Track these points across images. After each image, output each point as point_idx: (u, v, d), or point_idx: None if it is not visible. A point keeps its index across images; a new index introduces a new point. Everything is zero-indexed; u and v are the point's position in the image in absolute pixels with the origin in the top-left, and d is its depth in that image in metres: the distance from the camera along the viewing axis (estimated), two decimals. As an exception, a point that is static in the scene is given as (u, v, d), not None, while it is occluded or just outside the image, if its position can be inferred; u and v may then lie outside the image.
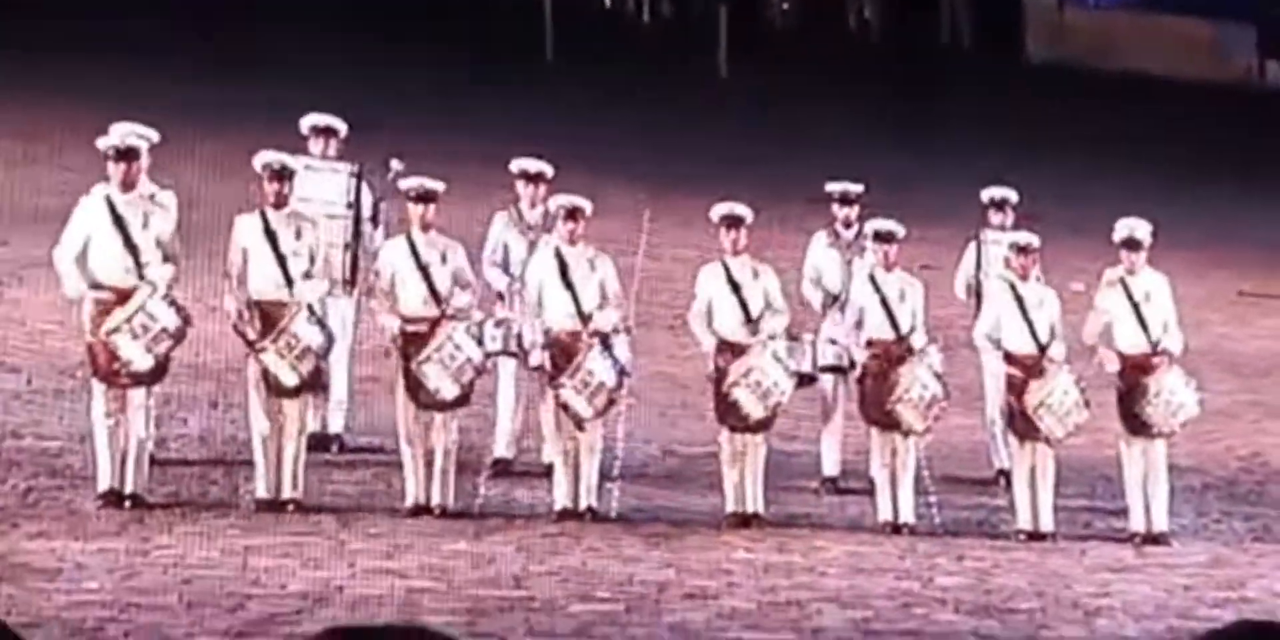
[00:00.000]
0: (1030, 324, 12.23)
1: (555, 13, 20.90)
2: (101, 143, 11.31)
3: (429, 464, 11.44)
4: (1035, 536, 12.01)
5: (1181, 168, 19.58)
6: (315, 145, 12.36)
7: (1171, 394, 12.20)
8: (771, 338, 11.84)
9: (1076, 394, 12.09)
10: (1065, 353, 12.24)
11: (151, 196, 11.44)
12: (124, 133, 11.47)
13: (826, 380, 12.54)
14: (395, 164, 12.06)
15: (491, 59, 19.54)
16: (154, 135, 11.66)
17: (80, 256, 11.07)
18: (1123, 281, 12.47)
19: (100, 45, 17.96)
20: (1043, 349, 12.19)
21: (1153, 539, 12.10)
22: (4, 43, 17.91)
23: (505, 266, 12.36)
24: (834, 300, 12.72)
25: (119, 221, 11.11)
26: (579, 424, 11.59)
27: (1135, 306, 12.38)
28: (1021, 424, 12.10)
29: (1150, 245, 12.50)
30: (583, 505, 11.62)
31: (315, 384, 11.49)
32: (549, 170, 12.48)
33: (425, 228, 11.70)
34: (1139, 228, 12.53)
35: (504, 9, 21.57)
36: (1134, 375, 12.25)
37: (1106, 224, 12.69)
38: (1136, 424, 12.22)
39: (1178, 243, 14.07)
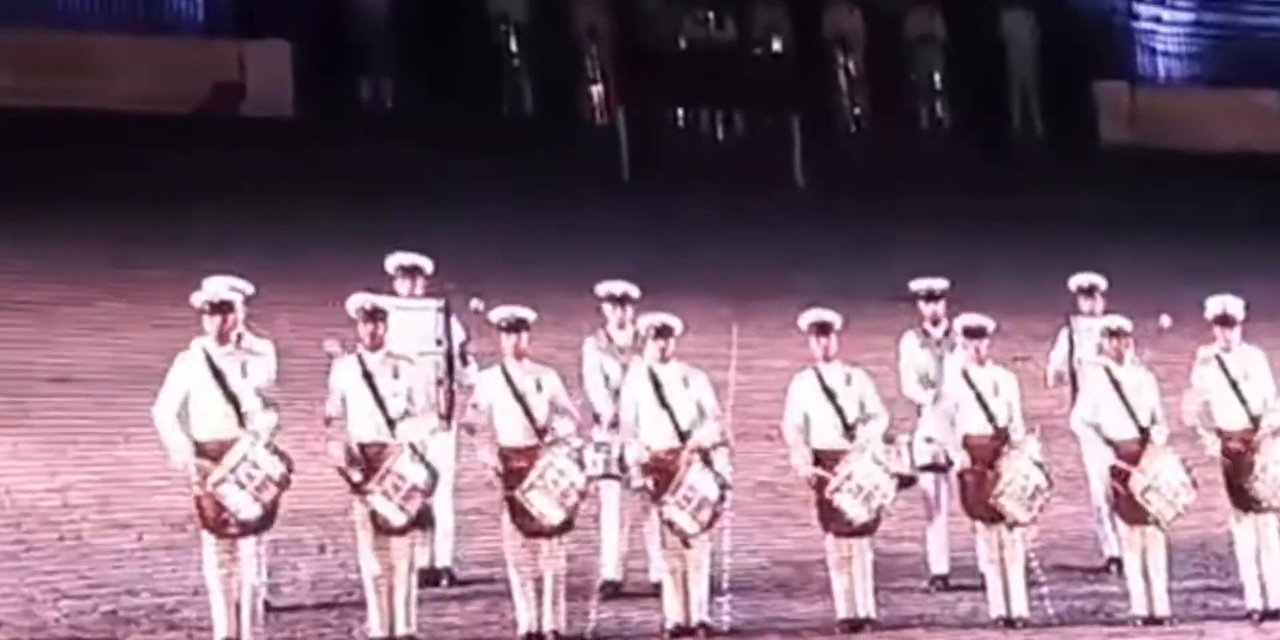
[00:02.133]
0: (1130, 408, 12.19)
1: (630, 134, 21.14)
2: (196, 298, 11.47)
3: (539, 591, 11.49)
4: (1152, 621, 11.93)
5: (1266, 240, 19.50)
6: (402, 285, 12.54)
7: (1278, 467, 12.12)
8: (869, 442, 11.86)
9: (1183, 475, 12.03)
10: (1168, 434, 12.18)
11: (249, 347, 11.60)
12: (217, 287, 11.67)
13: (927, 479, 12.56)
14: (475, 303, 12.18)
15: (569, 184, 19.77)
16: (248, 288, 11.83)
17: (181, 411, 11.22)
18: (1219, 359, 12.43)
19: (186, 202, 18.29)
20: (1144, 432, 12.14)
21: (1270, 615, 12.00)
22: (94, 205, 18.26)
23: (599, 389, 12.46)
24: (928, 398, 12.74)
25: (217, 374, 11.26)
26: (685, 540, 11.63)
27: (1233, 383, 12.35)
28: (1129, 509, 12.04)
29: (1243, 320, 12.48)
30: (695, 621, 11.63)
31: (423, 521, 11.58)
32: (635, 292, 12.59)
33: (518, 357, 11.80)
34: (1231, 304, 12.53)
35: (579, 134, 21.83)
36: (1238, 451, 12.19)
37: (1197, 303, 12.67)
38: (1245, 500, 12.15)
39: (1271, 316, 14.00)
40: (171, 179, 18.87)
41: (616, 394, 12.22)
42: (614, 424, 12.20)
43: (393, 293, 12.37)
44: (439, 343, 12.27)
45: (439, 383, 12.17)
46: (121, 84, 20.74)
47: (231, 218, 17.83)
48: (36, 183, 18.46)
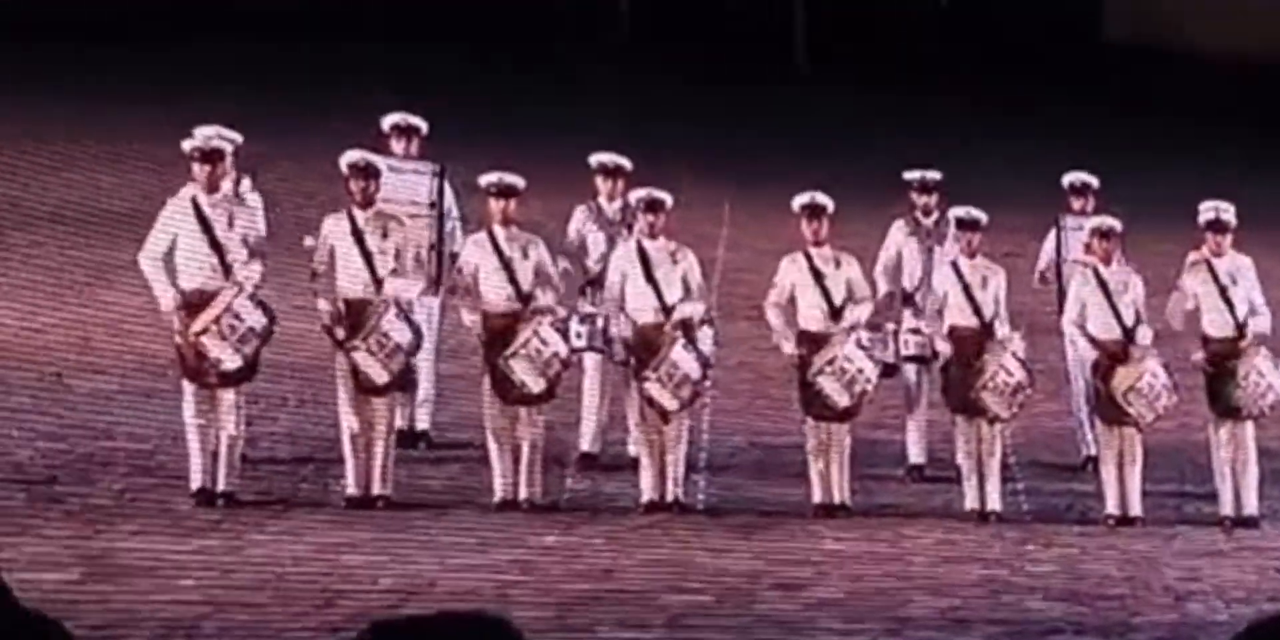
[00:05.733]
0: (1115, 309, 12.17)
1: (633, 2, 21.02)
2: (186, 145, 11.40)
3: (516, 459, 11.50)
4: (1124, 521, 11.97)
5: (1263, 147, 19.42)
6: (397, 145, 12.43)
7: (1260, 376, 12.12)
8: (855, 327, 11.84)
9: (1165, 378, 12.03)
10: (1152, 337, 12.17)
11: (238, 197, 11.53)
12: (208, 135, 11.57)
13: (910, 369, 12.54)
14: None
15: (566, 52, 19.62)
16: (237, 137, 11.75)
17: (166, 257, 11.18)
18: (1208, 264, 12.39)
19: (186, 50, 18.12)
20: (1129, 333, 12.13)
21: (1242, 522, 12.05)
22: (92, 44, 18.09)
23: (586, 261, 12.41)
24: (915, 289, 12.71)
25: (205, 222, 11.21)
26: (664, 416, 11.63)
27: (1221, 289, 12.31)
28: (1109, 409, 12.05)
29: (1235, 227, 12.43)
30: (669, 498, 11.65)
31: (404, 382, 11.57)
32: (627, 164, 12.50)
33: (506, 223, 11.74)
34: (1224, 209, 12.46)
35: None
36: (1221, 358, 12.18)
37: (1191, 207, 12.61)
38: (1225, 407, 12.15)
39: (1264, 224, 13.96)
40: (168, 27, 18.70)
41: (603, 267, 12.17)
42: (598, 296, 12.15)
43: (388, 152, 12.26)
44: (432, 205, 12.19)
45: (430, 247, 12.10)
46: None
47: (229, 70, 17.68)
48: (29, 22, 18.29)
